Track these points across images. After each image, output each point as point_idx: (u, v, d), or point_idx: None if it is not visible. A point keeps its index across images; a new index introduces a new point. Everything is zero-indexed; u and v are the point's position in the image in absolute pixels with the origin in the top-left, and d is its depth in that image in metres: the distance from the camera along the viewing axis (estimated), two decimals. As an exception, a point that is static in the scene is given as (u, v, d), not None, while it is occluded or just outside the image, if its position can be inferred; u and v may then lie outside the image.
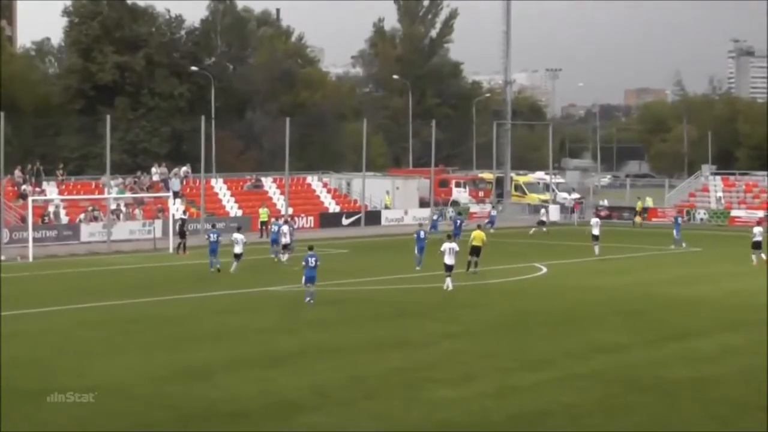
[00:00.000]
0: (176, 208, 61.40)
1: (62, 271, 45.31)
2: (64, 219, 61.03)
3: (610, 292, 38.15)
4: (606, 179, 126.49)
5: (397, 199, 77.90)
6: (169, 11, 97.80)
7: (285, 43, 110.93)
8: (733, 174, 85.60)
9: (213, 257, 43.69)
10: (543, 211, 67.74)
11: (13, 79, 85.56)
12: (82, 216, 60.97)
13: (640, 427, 19.56)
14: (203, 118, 63.10)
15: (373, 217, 72.10)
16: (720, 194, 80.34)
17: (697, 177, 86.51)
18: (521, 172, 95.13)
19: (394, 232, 65.65)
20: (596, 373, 23.69)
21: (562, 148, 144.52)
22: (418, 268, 44.13)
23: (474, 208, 78.24)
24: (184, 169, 72.51)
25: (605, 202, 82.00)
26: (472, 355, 25.72)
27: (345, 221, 71.37)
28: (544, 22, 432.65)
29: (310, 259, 33.95)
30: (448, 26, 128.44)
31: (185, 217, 58.50)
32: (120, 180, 67.53)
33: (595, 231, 52.79)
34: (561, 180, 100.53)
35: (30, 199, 55.46)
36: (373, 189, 74.05)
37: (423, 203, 77.75)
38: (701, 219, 76.50)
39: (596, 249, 51.83)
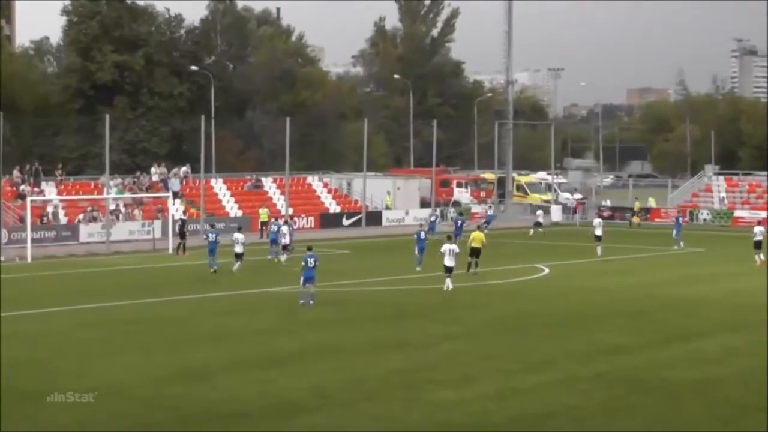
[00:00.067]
0: (176, 209, 61.19)
1: (61, 271, 45.13)
2: (63, 219, 60.80)
3: (612, 293, 37.98)
4: (608, 179, 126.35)
5: (398, 199, 77.70)
6: (168, 10, 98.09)
7: (285, 42, 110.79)
8: (737, 174, 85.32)
9: (212, 257, 43.47)
10: (540, 212, 67.52)
11: (12, 78, 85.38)
12: (81, 216, 60.73)
13: (643, 428, 19.48)
14: (203, 117, 62.77)
15: (374, 218, 71.84)
16: (723, 194, 79.99)
17: (700, 177, 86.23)
18: (523, 172, 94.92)
19: (395, 233, 65.41)
20: (599, 374, 23.59)
21: (564, 148, 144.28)
22: (418, 268, 43.93)
23: (476, 209, 77.93)
24: (183, 169, 72.27)
25: (608, 203, 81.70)
26: (473, 356, 25.58)
27: (345, 222, 71.12)
28: (546, 21, 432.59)
29: (309, 259, 33.75)
30: (449, 25, 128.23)
31: (185, 217, 58.18)
32: (119, 180, 67.31)
33: (598, 231, 52.56)
34: (563, 180, 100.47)
35: (28, 199, 55.27)
36: (373, 189, 73.81)
37: (424, 204, 77.53)
38: (704, 219, 76.15)
39: (599, 250, 51.64)
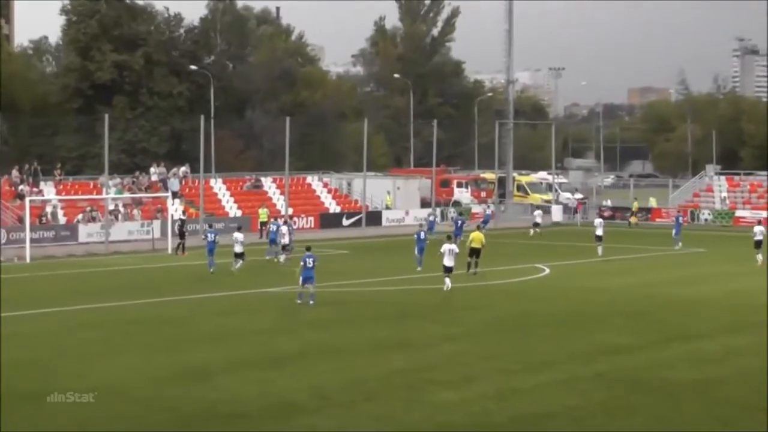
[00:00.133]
0: (175, 209, 61.14)
1: (60, 272, 45.06)
2: (62, 219, 60.73)
3: (613, 293, 37.93)
4: (609, 179, 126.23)
5: (398, 199, 77.56)
6: (168, 9, 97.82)
7: (285, 41, 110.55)
8: (738, 174, 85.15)
9: (211, 257, 43.39)
10: (538, 212, 67.47)
11: (11, 78, 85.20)
12: (80, 216, 60.63)
13: (643, 428, 19.46)
14: (202, 117, 62.57)
15: (374, 218, 71.67)
16: (724, 194, 79.82)
17: (701, 177, 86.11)
18: (524, 172, 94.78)
19: (395, 233, 65.29)
20: (599, 374, 23.53)
21: (565, 147, 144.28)
22: (419, 268, 43.85)
23: (476, 209, 77.74)
24: (183, 169, 72.16)
25: (608, 203, 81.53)
26: (474, 356, 25.52)
27: (345, 222, 70.97)
28: (546, 20, 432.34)
29: (307, 259, 33.72)
30: (449, 25, 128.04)
31: (184, 217, 58.03)
32: (118, 180, 67.18)
33: (599, 231, 52.46)
34: (564, 180, 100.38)
35: (27, 199, 55.15)
36: (373, 189, 73.69)
37: (424, 204, 77.38)
38: (705, 219, 75.94)
39: (599, 250, 51.56)
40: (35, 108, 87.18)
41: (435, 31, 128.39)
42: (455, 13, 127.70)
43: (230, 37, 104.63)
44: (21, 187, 62.10)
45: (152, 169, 70.40)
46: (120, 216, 61.87)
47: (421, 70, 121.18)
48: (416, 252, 44.89)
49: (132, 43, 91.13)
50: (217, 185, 72.33)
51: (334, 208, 74.46)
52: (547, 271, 44.90)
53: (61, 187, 65.46)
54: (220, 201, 70.46)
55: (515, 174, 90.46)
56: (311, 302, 33.41)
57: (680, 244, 55.87)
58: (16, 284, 39.68)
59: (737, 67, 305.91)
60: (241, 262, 42.95)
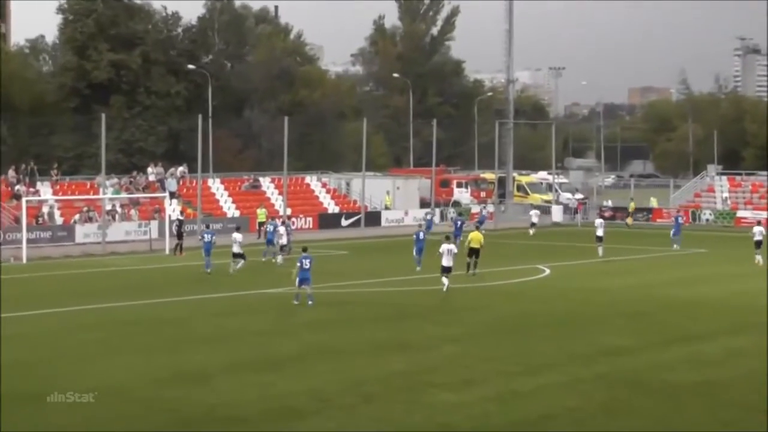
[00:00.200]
0: (173, 209, 60.95)
1: (57, 272, 44.92)
2: (59, 220, 60.50)
3: (613, 294, 37.92)
4: (610, 179, 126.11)
5: (397, 199, 77.34)
6: (165, 8, 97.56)
7: (283, 40, 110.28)
8: (740, 174, 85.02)
9: (208, 258, 43.21)
10: (534, 212, 67.24)
11: (8, 77, 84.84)
12: (76, 217, 60.38)
13: (644, 430, 19.49)
14: (200, 117, 62.24)
15: (373, 218, 71.43)
16: (726, 195, 79.59)
17: (702, 177, 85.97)
18: (524, 172, 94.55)
19: (395, 233, 65.10)
20: (600, 376, 23.49)
21: (566, 147, 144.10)
22: (418, 269, 43.67)
23: (476, 209, 77.39)
24: (180, 169, 71.91)
25: (609, 203, 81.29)
26: (474, 358, 25.45)
27: (344, 222, 70.72)
28: (546, 19, 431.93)
29: (304, 260, 33.66)
30: (449, 24, 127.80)
31: (182, 218, 57.73)
32: (115, 180, 66.92)
33: (599, 232, 52.32)
34: (564, 180, 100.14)
35: (24, 199, 54.98)
36: (373, 189, 73.50)
37: (424, 204, 77.14)
38: (707, 220, 75.65)
39: (600, 250, 51.40)
40: (32, 107, 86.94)
41: (434, 30, 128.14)
42: (455, 12, 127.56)
43: (228, 36, 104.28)
44: (17, 187, 61.92)
45: (150, 169, 70.21)
46: (117, 216, 61.61)
47: (421, 70, 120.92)
48: (415, 252, 44.75)
49: (129, 42, 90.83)
50: (215, 185, 72.06)
51: (332, 208, 74.19)
52: (548, 271, 44.84)
53: (58, 187, 65.22)
54: (218, 201, 70.21)
55: (515, 174, 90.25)
56: (310, 302, 33.35)
57: (675, 246, 55.55)
58: (13, 285, 39.42)
59: (739, 66, 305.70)
60: (242, 261, 42.86)
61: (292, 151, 66.75)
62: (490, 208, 75.71)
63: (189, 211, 64.63)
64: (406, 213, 74.11)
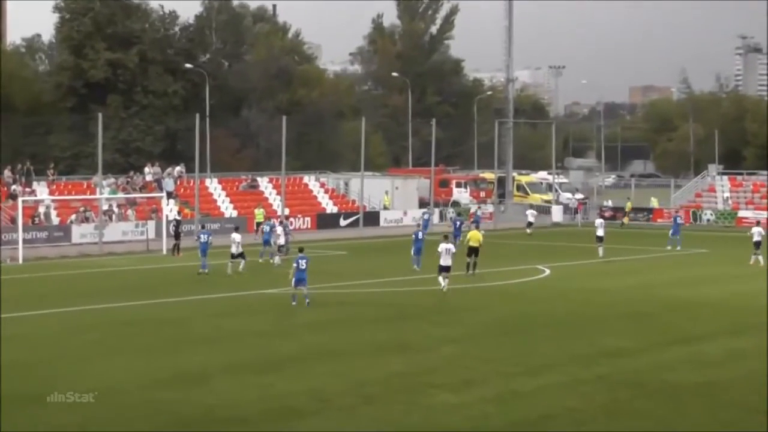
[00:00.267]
0: (170, 209, 60.82)
1: (54, 273, 44.82)
2: (55, 220, 60.41)
3: (614, 294, 37.86)
4: (610, 179, 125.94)
5: (396, 199, 77.07)
6: (162, 7, 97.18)
7: (281, 39, 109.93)
8: (741, 174, 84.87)
9: (204, 258, 43.03)
10: (530, 212, 67.04)
11: (4, 76, 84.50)
12: (73, 217, 60.18)
13: (645, 431, 19.52)
14: (198, 116, 61.96)
15: (372, 218, 71.15)
16: (727, 194, 79.34)
17: (703, 177, 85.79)
18: (524, 171, 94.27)
19: (394, 233, 64.96)
20: (600, 377, 23.47)
21: (566, 147, 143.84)
22: (418, 269, 43.53)
23: (473, 209, 77.07)
24: (178, 168, 71.68)
25: (609, 203, 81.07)
26: (474, 359, 25.42)
27: (343, 222, 70.50)
28: (546, 18, 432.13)
29: (300, 261, 33.56)
30: (448, 23, 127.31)
31: (179, 218, 57.42)
32: (112, 180, 66.83)
33: (600, 232, 52.22)
34: (564, 180, 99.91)
35: (20, 199, 55.00)
36: (371, 189, 73.27)
37: (423, 204, 76.79)
38: (708, 220, 75.34)
39: (600, 251, 51.26)
40: (28, 107, 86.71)
41: (434, 29, 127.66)
42: (454, 10, 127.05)
43: (226, 35, 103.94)
44: (13, 187, 61.76)
45: (147, 169, 70.05)
46: (114, 216, 61.38)
47: (420, 69, 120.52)
48: (413, 252, 44.56)
49: (126, 41, 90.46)
50: (213, 185, 71.78)
51: (331, 208, 73.93)
52: (548, 272, 44.80)
53: (54, 187, 65.05)
54: (215, 201, 69.97)
55: (515, 174, 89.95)
56: (307, 301, 33.23)
57: (670, 246, 55.29)
58: (9, 285, 39.13)
59: (740, 65, 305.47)
60: (242, 262, 42.75)
61: (290, 150, 66.57)
62: (487, 208, 75.44)
63: (186, 211, 64.36)
64: (405, 213, 73.87)
